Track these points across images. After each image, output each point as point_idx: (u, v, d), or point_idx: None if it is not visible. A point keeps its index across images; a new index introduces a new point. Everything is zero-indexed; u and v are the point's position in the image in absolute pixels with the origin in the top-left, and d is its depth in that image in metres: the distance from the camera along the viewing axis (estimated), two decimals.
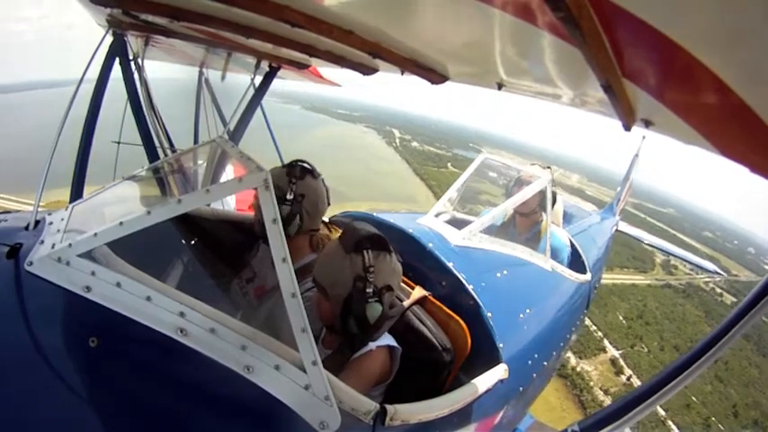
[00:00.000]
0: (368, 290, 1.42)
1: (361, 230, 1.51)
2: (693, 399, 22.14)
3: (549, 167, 3.22)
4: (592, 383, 20.28)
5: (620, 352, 22.92)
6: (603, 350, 22.77)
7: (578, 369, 20.21)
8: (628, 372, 21.84)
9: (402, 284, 2.02)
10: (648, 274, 38.03)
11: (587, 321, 23.48)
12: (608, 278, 32.59)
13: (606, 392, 20.16)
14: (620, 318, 27.71)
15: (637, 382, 21.49)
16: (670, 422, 20.80)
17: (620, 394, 20.91)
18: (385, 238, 1.53)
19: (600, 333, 23.82)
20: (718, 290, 39.58)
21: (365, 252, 1.45)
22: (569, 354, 19.30)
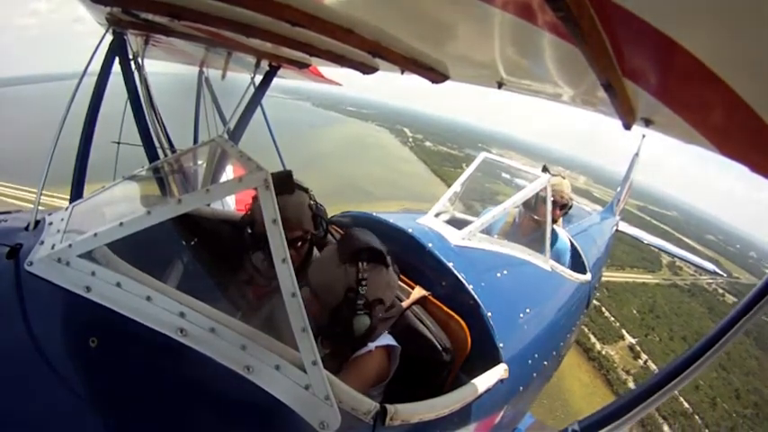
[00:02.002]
0: (358, 302, 1.42)
1: (360, 240, 1.49)
2: (701, 382, 24.39)
3: (546, 169, 3.22)
4: (615, 365, 23.26)
5: (636, 340, 26.47)
6: (622, 338, 26.27)
7: (603, 353, 23.43)
8: (644, 357, 25.08)
9: (402, 284, 2.02)
10: (656, 274, 41.03)
11: (606, 313, 27.05)
12: (620, 276, 36.17)
13: (628, 373, 23.01)
14: (634, 311, 31.09)
15: (652, 366, 24.54)
16: (682, 399, 22.92)
17: (640, 375, 23.36)
18: (382, 250, 1.50)
19: (618, 323, 27.44)
20: (721, 290, 42.45)
21: (360, 264, 1.44)
22: (594, 339, 23.71)
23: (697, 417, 21.32)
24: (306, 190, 1.96)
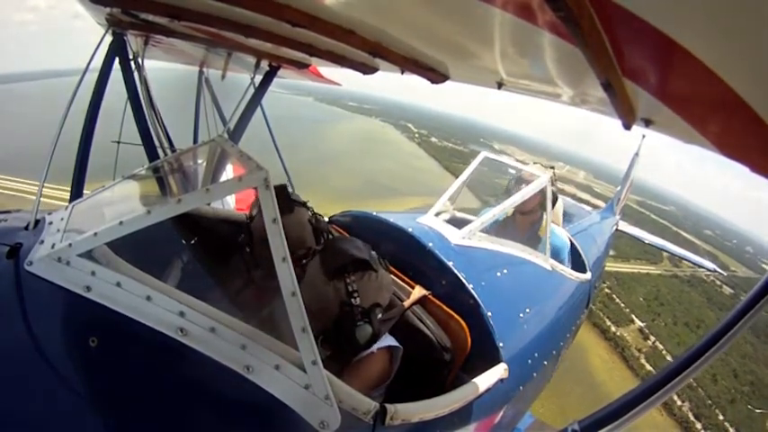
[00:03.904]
0: (356, 314, 1.42)
1: (341, 253, 1.49)
2: None
3: (552, 167, 3.22)
4: (629, 344, 25.78)
5: (645, 324, 29.30)
6: (632, 321, 29.19)
7: (618, 334, 26.04)
8: (652, 339, 27.76)
9: (402, 283, 2.02)
10: (658, 266, 43.51)
11: (617, 299, 30.08)
12: (626, 267, 38.64)
13: (640, 351, 25.44)
14: (641, 299, 34.00)
15: (659, 346, 26.88)
16: None
17: (650, 353, 25.39)
18: (364, 257, 1.50)
19: (628, 309, 30.44)
20: (718, 282, 44.96)
21: (347, 277, 1.44)
22: (609, 323, 26.39)
23: (701, 390, 22.73)
24: (304, 204, 1.93)
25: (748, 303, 1.24)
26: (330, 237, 1.95)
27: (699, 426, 19.92)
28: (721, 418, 21.24)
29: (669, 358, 25.05)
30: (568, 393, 13.86)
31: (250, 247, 1.85)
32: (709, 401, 22.07)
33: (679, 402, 20.99)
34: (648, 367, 23.19)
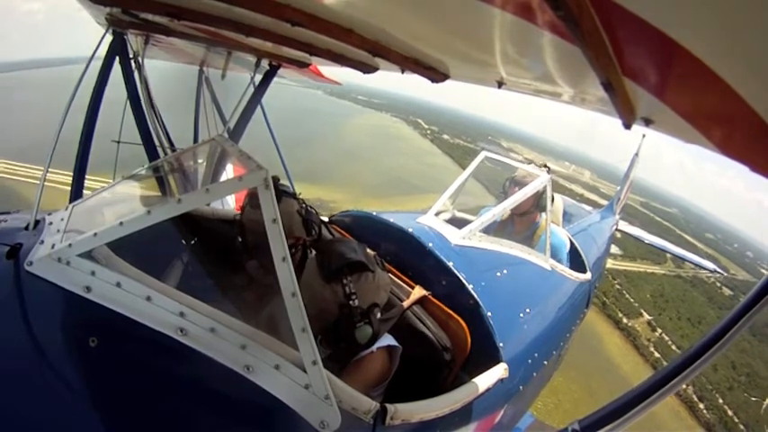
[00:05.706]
0: (354, 315, 1.42)
1: (337, 256, 1.49)
2: None
3: (547, 166, 3.22)
4: (639, 334, 28.05)
5: (652, 317, 31.99)
6: (641, 315, 31.80)
7: (629, 325, 28.53)
8: (659, 330, 30.25)
9: (402, 283, 2.02)
10: (662, 266, 45.16)
11: (627, 295, 32.55)
12: (633, 266, 40.84)
13: (649, 341, 27.66)
14: (648, 295, 36.38)
15: (666, 338, 29.05)
16: None
17: (658, 343, 27.46)
18: (360, 259, 1.50)
19: (636, 304, 33.10)
20: (719, 284, 46.69)
21: (344, 279, 1.44)
22: (621, 315, 28.76)
23: (703, 377, 24.26)
24: (294, 195, 1.94)
25: (745, 306, 1.24)
26: (320, 228, 1.95)
27: (701, 406, 22.09)
28: (721, 401, 23.19)
29: (674, 348, 26.74)
30: (592, 374, 16.16)
31: (242, 237, 1.85)
32: (710, 387, 23.90)
33: (684, 386, 22.39)
34: (657, 355, 25.00)
